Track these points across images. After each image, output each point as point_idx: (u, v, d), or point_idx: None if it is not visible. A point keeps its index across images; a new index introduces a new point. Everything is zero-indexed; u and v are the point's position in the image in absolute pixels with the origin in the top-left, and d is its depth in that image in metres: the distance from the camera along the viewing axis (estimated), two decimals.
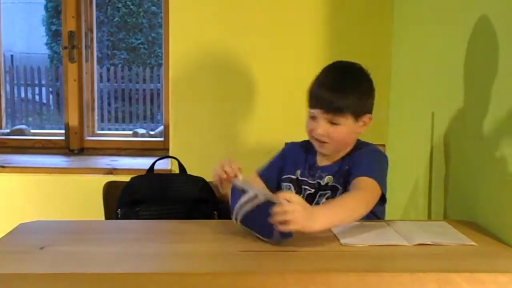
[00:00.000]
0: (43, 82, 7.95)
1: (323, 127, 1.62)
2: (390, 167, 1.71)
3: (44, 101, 8.02)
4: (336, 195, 1.65)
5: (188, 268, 1.26)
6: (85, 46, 2.97)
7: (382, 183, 1.57)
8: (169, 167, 2.59)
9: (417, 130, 2.21)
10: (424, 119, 2.07)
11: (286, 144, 1.86)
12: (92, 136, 3.07)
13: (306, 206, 1.35)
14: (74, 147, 2.99)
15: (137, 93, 7.70)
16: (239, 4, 2.67)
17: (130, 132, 3.40)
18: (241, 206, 1.40)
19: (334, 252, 1.34)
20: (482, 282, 1.20)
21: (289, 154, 1.80)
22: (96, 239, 1.45)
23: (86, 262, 1.28)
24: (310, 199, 1.66)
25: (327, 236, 1.44)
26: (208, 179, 1.89)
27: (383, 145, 2.01)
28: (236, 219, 1.43)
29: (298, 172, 1.73)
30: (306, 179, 1.72)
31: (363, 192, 1.52)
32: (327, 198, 1.66)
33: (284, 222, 1.30)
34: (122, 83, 7.79)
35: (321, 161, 1.72)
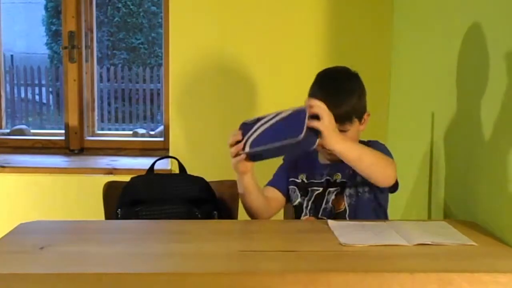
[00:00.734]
0: (43, 82, 7.96)
1: None
2: None
3: (44, 101, 8.02)
4: (345, 189, 1.69)
5: (188, 268, 1.26)
6: (85, 46, 2.97)
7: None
8: (169, 167, 2.59)
9: (417, 130, 2.21)
10: (424, 119, 2.07)
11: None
12: (92, 136, 3.07)
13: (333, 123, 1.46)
14: (74, 147, 2.99)
15: (137, 93, 7.71)
16: (239, 4, 2.67)
17: (130, 132, 3.40)
18: (262, 125, 1.48)
19: (334, 252, 1.34)
20: (482, 282, 1.19)
21: (292, 160, 1.80)
22: (96, 239, 1.46)
23: (86, 262, 1.28)
24: (320, 198, 1.69)
25: (327, 236, 1.44)
26: (208, 179, 1.89)
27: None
28: (250, 144, 1.48)
29: (303, 176, 1.75)
30: (311, 181, 1.74)
31: (391, 159, 1.61)
32: (336, 195, 1.70)
33: (315, 118, 1.40)
34: (122, 83, 7.79)
35: (326, 160, 1.74)
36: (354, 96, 1.66)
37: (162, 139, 3.01)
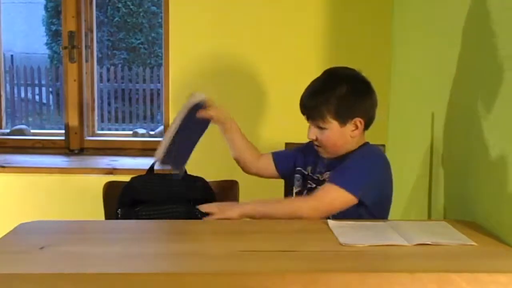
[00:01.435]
0: (43, 82, 7.96)
1: (312, 132, 1.71)
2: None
3: (44, 101, 8.02)
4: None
5: (188, 268, 1.26)
6: (85, 46, 2.97)
7: (356, 189, 1.61)
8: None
9: (417, 130, 2.21)
10: (424, 119, 2.07)
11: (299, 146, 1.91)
12: (92, 136, 3.07)
13: (224, 203, 1.66)
14: (74, 147, 2.99)
15: (137, 93, 7.71)
16: (239, 4, 2.67)
17: (130, 132, 3.40)
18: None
19: (334, 252, 1.34)
20: (482, 282, 1.20)
21: (306, 150, 1.84)
22: (96, 239, 1.45)
23: (86, 262, 1.28)
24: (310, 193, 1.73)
25: (327, 236, 1.44)
26: (208, 179, 1.89)
27: (383, 145, 2.01)
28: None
29: (309, 168, 1.79)
30: (313, 175, 1.78)
31: (313, 199, 1.64)
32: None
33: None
34: (122, 83, 7.79)
35: (327, 159, 1.77)
36: (331, 97, 1.66)
37: (162, 139, 3.01)
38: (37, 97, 7.96)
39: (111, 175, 2.63)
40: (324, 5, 2.67)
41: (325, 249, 1.36)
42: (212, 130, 2.77)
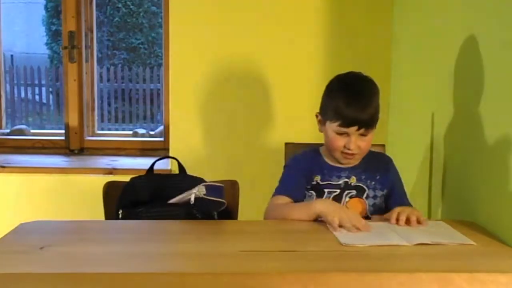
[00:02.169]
0: (43, 82, 7.94)
1: (356, 142, 1.67)
2: None
3: (44, 101, 8.01)
4: (364, 195, 1.72)
5: (188, 268, 1.26)
6: (85, 46, 2.97)
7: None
8: (169, 167, 2.59)
9: (417, 130, 2.21)
10: (424, 119, 2.07)
11: (291, 159, 1.86)
12: (92, 136, 3.07)
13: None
14: (74, 147, 2.99)
15: (137, 93, 7.70)
16: (239, 4, 2.67)
17: (130, 132, 3.39)
18: None
19: (334, 252, 1.34)
20: (482, 282, 1.20)
21: (304, 163, 1.79)
22: (96, 239, 1.45)
23: (86, 262, 1.28)
24: (337, 200, 1.70)
25: (327, 236, 1.44)
26: (208, 179, 1.89)
27: (383, 145, 2.01)
28: None
29: (318, 177, 1.75)
30: (328, 182, 1.74)
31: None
32: (350, 197, 1.72)
33: None
34: (122, 83, 7.79)
35: (342, 164, 1.75)
36: (376, 105, 1.69)
37: (162, 139, 3.01)
38: (37, 97, 7.95)
39: (111, 175, 2.63)
40: (324, 6, 2.66)
41: (325, 249, 1.36)
42: (212, 130, 2.78)
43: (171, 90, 2.73)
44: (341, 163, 1.74)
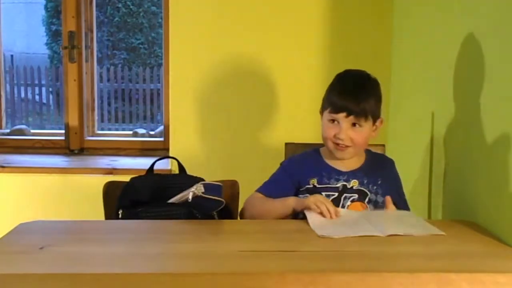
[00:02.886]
0: (43, 82, 7.95)
1: (346, 130, 1.67)
2: None
3: (44, 101, 8.01)
4: (365, 200, 1.71)
5: (188, 268, 1.26)
6: (85, 46, 2.97)
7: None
8: (169, 167, 2.59)
9: (417, 130, 2.21)
10: (424, 119, 2.07)
11: (287, 160, 1.87)
12: (92, 136, 3.07)
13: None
14: (74, 147, 2.99)
15: (137, 93, 7.70)
16: (239, 4, 2.67)
17: (130, 132, 3.39)
18: None
19: (334, 252, 1.34)
20: (482, 282, 1.20)
21: (296, 168, 1.79)
22: (96, 239, 1.45)
23: (86, 262, 1.28)
24: (335, 203, 1.68)
25: (327, 237, 1.44)
26: (208, 179, 1.89)
27: (383, 145, 2.01)
28: None
29: (314, 180, 1.74)
30: (326, 185, 1.73)
31: None
32: (352, 201, 1.71)
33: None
34: (122, 83, 7.79)
35: (343, 167, 1.75)
36: (373, 97, 1.70)
37: (162, 139, 3.01)
38: (37, 97, 7.95)
39: (111, 175, 2.63)
40: (324, 5, 2.66)
41: (325, 249, 1.36)
42: (212, 130, 2.78)
43: (171, 90, 2.73)
44: (337, 158, 1.73)
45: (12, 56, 8.47)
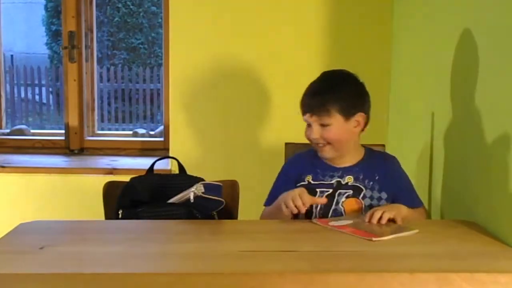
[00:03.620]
0: (43, 82, 7.94)
1: (316, 130, 1.69)
2: None
3: (44, 101, 8.01)
4: (360, 195, 1.71)
5: (188, 268, 1.26)
6: (85, 46, 2.97)
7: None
8: (169, 167, 2.59)
9: (417, 130, 2.21)
10: (424, 119, 2.07)
11: (286, 163, 1.89)
12: (92, 136, 3.07)
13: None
14: (74, 147, 2.99)
15: (137, 93, 7.70)
16: (239, 4, 2.67)
17: (130, 132, 3.39)
18: None
19: (334, 252, 1.34)
20: (482, 282, 1.20)
21: (293, 168, 1.81)
22: (96, 239, 1.46)
23: (86, 262, 1.28)
24: (330, 199, 1.70)
25: (327, 236, 1.44)
26: (208, 179, 1.89)
27: (383, 145, 2.01)
28: None
29: (309, 177, 1.75)
30: (320, 182, 1.74)
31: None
32: (347, 197, 1.71)
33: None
34: (122, 83, 7.78)
35: (338, 163, 1.75)
36: (337, 92, 1.68)
37: (162, 139, 3.01)
38: (37, 97, 7.95)
39: (111, 175, 2.63)
40: (324, 5, 2.66)
41: (325, 249, 1.36)
42: (212, 130, 2.78)
43: (171, 90, 2.73)
44: (329, 160, 1.75)
45: (12, 56, 8.47)
